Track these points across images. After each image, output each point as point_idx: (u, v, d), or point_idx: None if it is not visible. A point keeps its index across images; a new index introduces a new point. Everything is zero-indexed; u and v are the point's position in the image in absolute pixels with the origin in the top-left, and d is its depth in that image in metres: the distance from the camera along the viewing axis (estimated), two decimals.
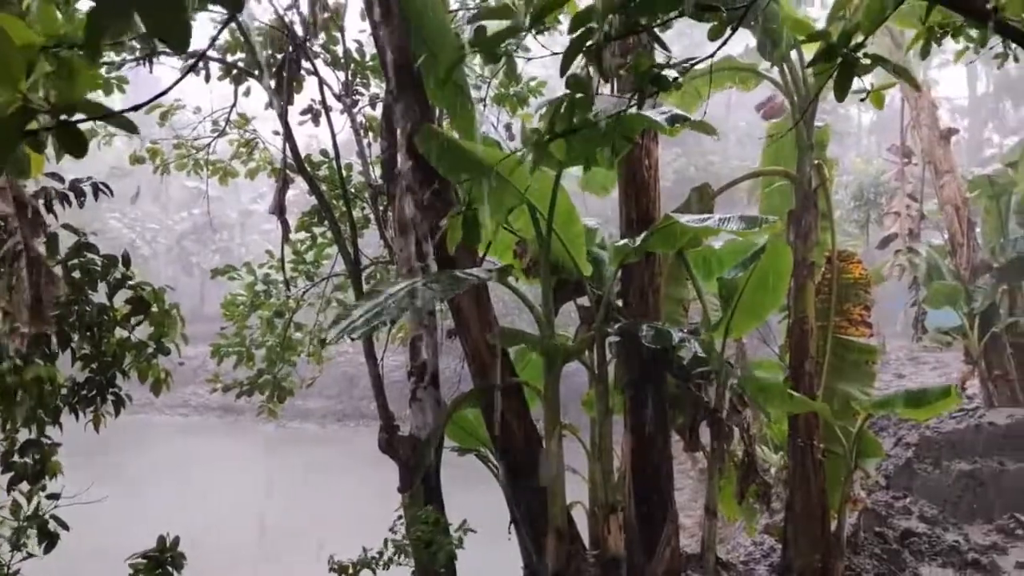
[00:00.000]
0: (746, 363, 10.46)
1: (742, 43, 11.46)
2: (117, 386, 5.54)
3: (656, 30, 3.37)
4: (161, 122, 9.43)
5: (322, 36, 8.95)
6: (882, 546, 10.37)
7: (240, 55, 8.88)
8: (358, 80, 9.08)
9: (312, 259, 9.74)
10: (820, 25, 7.42)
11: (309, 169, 8.63)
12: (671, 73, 3.04)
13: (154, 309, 5.50)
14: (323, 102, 8.69)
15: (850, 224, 25.72)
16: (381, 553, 6.56)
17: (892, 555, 10.21)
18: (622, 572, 7.14)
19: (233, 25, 8.22)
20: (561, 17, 6.81)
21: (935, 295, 15.58)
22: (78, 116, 1.69)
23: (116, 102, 9.71)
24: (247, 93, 9.19)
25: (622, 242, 7.27)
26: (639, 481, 7.65)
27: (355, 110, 8.95)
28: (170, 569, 5.23)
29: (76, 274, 5.23)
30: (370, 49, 8.63)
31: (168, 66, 8.71)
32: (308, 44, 8.51)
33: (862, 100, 3.54)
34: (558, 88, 3.56)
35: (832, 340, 8.71)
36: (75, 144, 1.67)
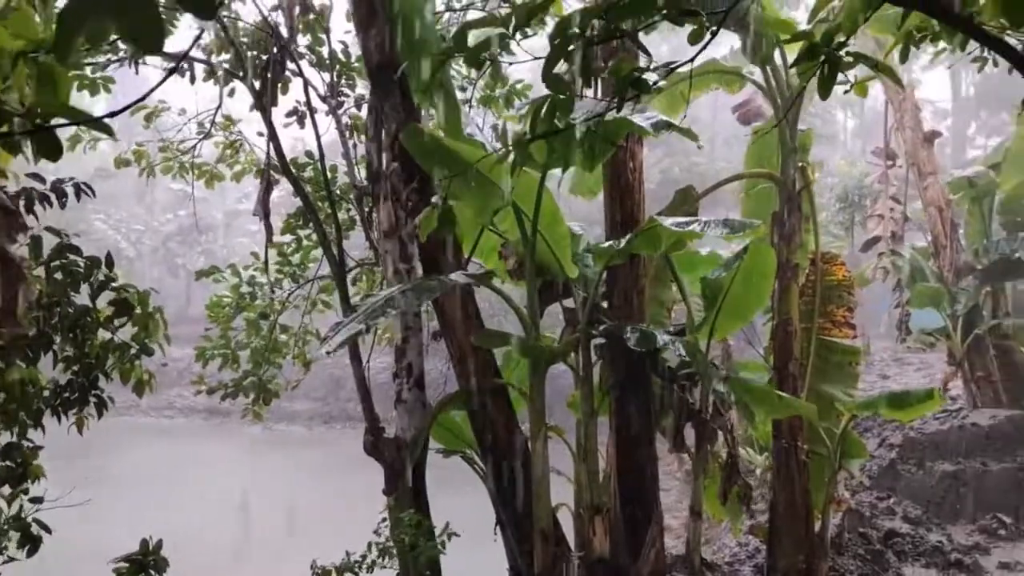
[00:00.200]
0: (732, 364, 10.52)
1: (727, 45, 11.53)
2: (100, 388, 5.51)
3: (640, 33, 3.39)
4: (146, 124, 9.39)
5: (307, 37, 8.94)
6: (866, 547, 10.43)
7: (226, 56, 8.85)
8: (343, 81, 9.07)
9: (298, 261, 9.71)
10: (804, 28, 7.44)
11: (294, 171, 8.61)
12: (651, 77, 3.05)
13: (138, 311, 5.48)
14: (308, 103, 8.68)
15: (835, 226, 25.89)
16: (364, 556, 6.54)
17: (876, 555, 10.28)
18: (608, 573, 7.16)
19: (218, 26, 8.20)
20: (548, 19, 6.83)
21: (918, 297, 15.67)
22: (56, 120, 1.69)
23: (101, 102, 9.69)
24: (231, 94, 9.16)
25: (607, 244, 7.29)
26: (624, 482, 7.66)
27: (340, 111, 8.93)
28: (152, 572, 5.20)
29: (58, 276, 5.21)
30: (355, 50, 8.62)
31: (154, 67, 8.71)
32: (293, 45, 8.50)
33: (845, 92, 3.56)
34: (544, 91, 3.57)
35: (816, 342, 8.75)
36: (50, 148, 1.66)
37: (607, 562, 7.19)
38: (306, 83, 8.63)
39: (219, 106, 9.34)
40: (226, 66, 8.73)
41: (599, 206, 8.43)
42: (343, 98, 9.05)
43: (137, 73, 8.04)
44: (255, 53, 8.59)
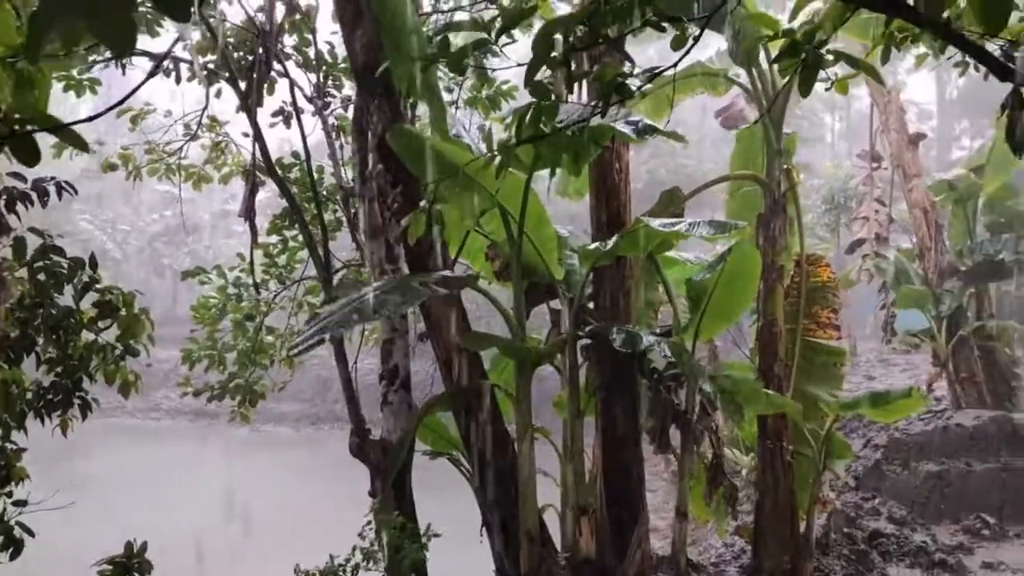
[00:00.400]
0: (718, 365, 10.56)
1: (713, 47, 11.56)
2: (84, 390, 5.48)
3: (628, 36, 3.41)
4: (132, 126, 9.35)
5: (294, 38, 8.92)
6: (851, 547, 10.49)
7: (212, 57, 8.82)
8: (330, 82, 9.06)
9: (284, 262, 9.68)
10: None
11: (279, 171, 8.59)
12: (635, 82, 3.07)
13: (123, 312, 5.45)
14: (294, 104, 8.66)
15: (821, 228, 26.03)
16: (348, 560, 6.51)
17: (860, 556, 10.34)
18: (593, 574, 7.18)
19: (204, 27, 8.18)
20: (535, 21, 6.84)
21: (903, 298, 15.76)
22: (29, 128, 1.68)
23: (88, 103, 9.64)
24: (218, 95, 9.13)
25: (593, 245, 7.31)
26: (610, 483, 7.68)
27: (327, 112, 8.92)
28: (136, 575, 5.18)
29: (42, 277, 5.17)
30: (342, 51, 8.61)
31: (143, 69, 8.67)
32: (279, 46, 8.48)
33: (827, 90, 3.59)
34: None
35: (801, 343, 8.80)
36: (27, 154, 1.66)
37: (593, 563, 7.21)
38: (292, 84, 8.62)
39: (205, 107, 9.32)
40: (211, 66, 8.70)
41: (584, 206, 8.45)
42: (329, 99, 9.04)
43: (124, 74, 8.01)
44: (241, 53, 8.57)
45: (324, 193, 9.05)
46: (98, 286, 5.35)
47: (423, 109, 7.77)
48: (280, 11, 8.49)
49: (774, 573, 8.55)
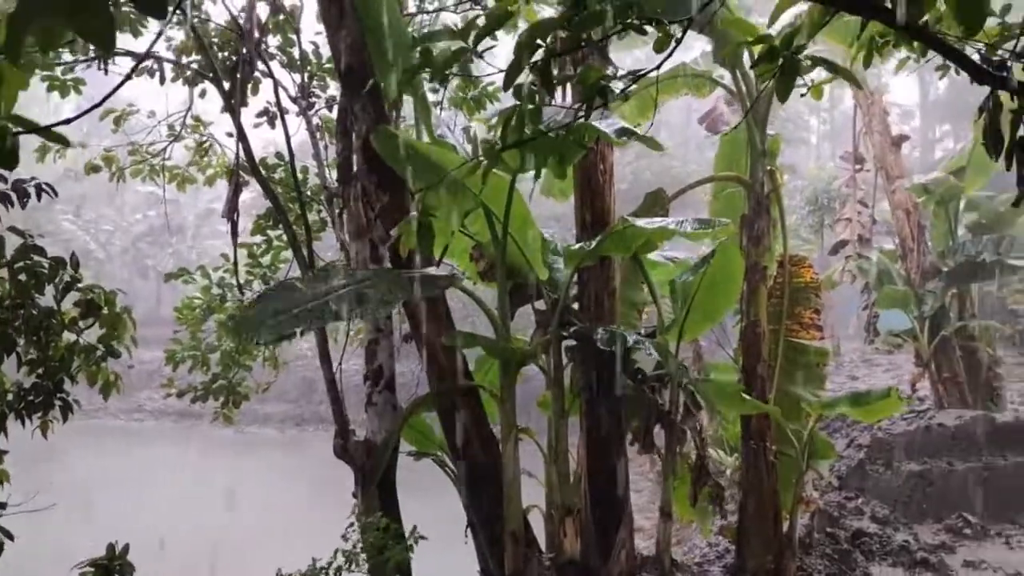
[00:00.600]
0: (703, 366, 10.61)
1: (698, 49, 11.61)
2: (65, 391, 5.44)
3: (613, 38, 3.42)
4: (115, 127, 9.30)
5: (278, 38, 8.90)
6: (834, 546, 10.55)
7: (196, 57, 8.78)
8: (314, 83, 9.04)
9: (268, 263, 9.63)
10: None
11: (264, 172, 8.56)
12: (619, 84, 3.08)
13: (104, 311, 5.42)
14: (279, 104, 8.63)
15: (804, 230, 26.16)
16: (330, 563, 6.47)
17: (843, 555, 10.40)
18: (578, 575, 7.19)
19: (187, 26, 8.15)
20: (521, 23, 6.85)
21: (886, 299, 15.85)
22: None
23: (71, 103, 9.58)
24: (203, 95, 9.09)
25: (577, 246, 7.33)
26: (595, 484, 7.70)
27: (311, 112, 8.90)
28: None
29: (22, 277, 5.13)
30: (326, 51, 8.59)
31: (124, 69, 8.61)
32: (263, 46, 8.45)
33: (802, 96, 3.61)
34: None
35: (784, 343, 8.85)
36: (4, 158, 1.65)
37: (578, 564, 7.22)
38: (276, 84, 8.59)
39: (189, 108, 9.27)
40: (195, 66, 8.66)
41: (569, 207, 8.47)
42: (314, 99, 9.01)
43: (106, 74, 7.96)
44: (226, 54, 8.54)
45: (308, 193, 9.02)
46: (80, 285, 5.32)
47: (408, 110, 7.78)
48: (264, 11, 8.47)
49: (757, 573, 8.59)
